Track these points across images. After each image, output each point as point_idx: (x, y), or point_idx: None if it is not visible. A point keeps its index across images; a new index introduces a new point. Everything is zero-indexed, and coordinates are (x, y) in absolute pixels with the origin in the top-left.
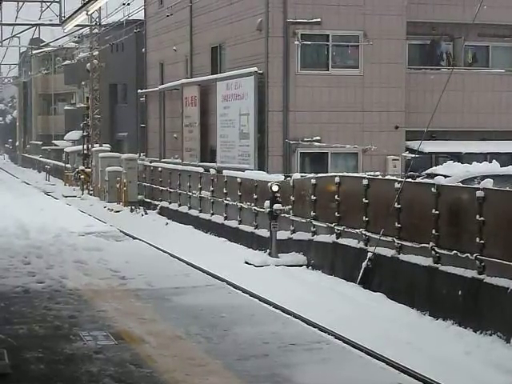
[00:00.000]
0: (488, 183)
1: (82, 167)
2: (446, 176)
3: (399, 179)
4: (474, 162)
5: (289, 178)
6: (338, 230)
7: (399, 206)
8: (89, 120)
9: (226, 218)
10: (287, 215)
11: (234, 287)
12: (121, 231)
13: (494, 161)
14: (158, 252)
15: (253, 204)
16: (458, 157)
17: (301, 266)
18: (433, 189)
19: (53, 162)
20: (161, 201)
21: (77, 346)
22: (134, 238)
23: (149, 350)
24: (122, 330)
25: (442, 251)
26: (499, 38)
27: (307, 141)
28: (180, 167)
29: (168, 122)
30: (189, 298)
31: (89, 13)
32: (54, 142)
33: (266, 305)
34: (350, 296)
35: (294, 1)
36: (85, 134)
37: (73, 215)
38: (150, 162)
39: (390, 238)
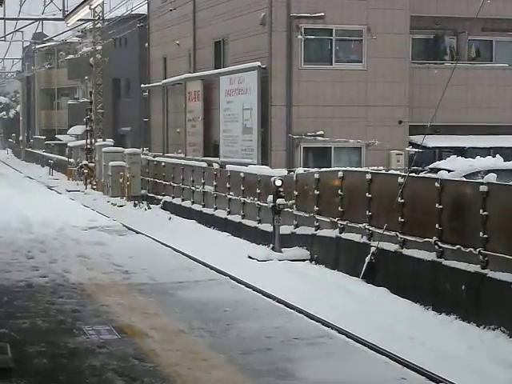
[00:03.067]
0: (491, 178)
1: (85, 162)
2: (449, 170)
3: (403, 174)
4: (478, 157)
5: (292, 173)
6: (341, 224)
7: (402, 200)
8: (92, 115)
9: (229, 213)
10: (290, 210)
11: (237, 282)
12: (124, 226)
13: (497, 155)
14: (161, 246)
15: (256, 199)
16: (461, 151)
17: (304, 260)
18: (436, 183)
19: (56, 157)
20: (164, 195)
21: (80, 341)
22: (138, 233)
23: (152, 344)
24: (125, 325)
25: (446, 246)
26: (503, 32)
27: (310, 135)
28: (183, 162)
29: (171, 116)
30: (192, 293)
31: (92, 7)
32: (57, 136)
33: (269, 299)
34: (353, 291)
35: None
36: (88, 128)
37: (76, 210)
38: (154, 157)
39: (393, 233)
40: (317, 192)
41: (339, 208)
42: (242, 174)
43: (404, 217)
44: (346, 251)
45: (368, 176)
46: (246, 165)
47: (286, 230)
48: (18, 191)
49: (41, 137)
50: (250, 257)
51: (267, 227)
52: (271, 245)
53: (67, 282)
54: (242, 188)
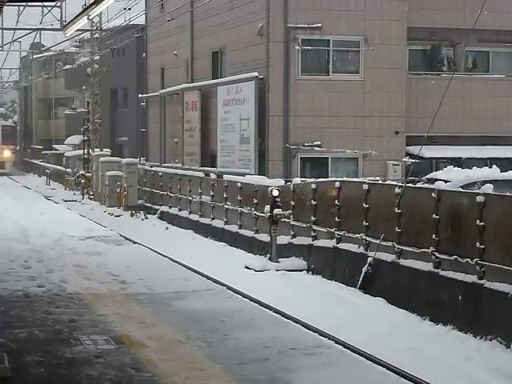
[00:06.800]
0: (488, 188)
1: (82, 172)
2: (446, 181)
3: (399, 184)
4: (474, 167)
5: (289, 183)
6: (338, 234)
7: (399, 210)
8: (89, 124)
9: (226, 223)
10: (287, 220)
11: (234, 292)
12: (121, 236)
13: (494, 166)
14: (159, 256)
15: (253, 209)
16: (458, 162)
17: (301, 270)
18: (433, 194)
19: (53, 167)
20: (161, 205)
21: (77, 350)
22: (135, 243)
23: (149, 354)
24: (122, 334)
25: (443, 256)
26: (499, 43)
27: (307, 146)
28: (180, 172)
29: (168, 126)
30: (189, 303)
31: (90, 17)
32: (54, 146)
33: (266, 309)
34: (350, 301)
35: (294, 6)
36: (85, 138)
37: (73, 219)
38: (151, 167)
39: (390, 243)
40: (314, 202)
41: (336, 218)
42: (239, 184)
43: (401, 227)
44: (342, 261)
45: (365, 186)
46: (243, 175)
47: (282, 240)
48: (15, 201)
49: (38, 146)
50: (246, 267)
51: (264, 237)
52: (268, 255)
53: (64, 292)
54: (239, 198)
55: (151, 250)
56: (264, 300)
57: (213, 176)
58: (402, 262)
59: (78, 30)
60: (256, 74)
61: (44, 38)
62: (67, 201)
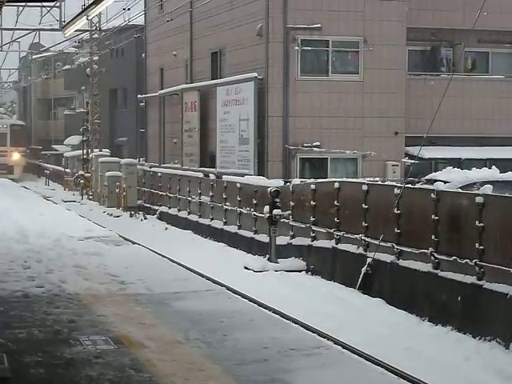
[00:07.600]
0: (487, 189)
1: (81, 172)
2: (445, 182)
3: (399, 185)
4: (474, 168)
5: (288, 184)
6: (337, 235)
7: (399, 211)
8: (88, 125)
9: (225, 223)
10: (287, 220)
11: (233, 292)
12: (120, 236)
13: (493, 167)
14: (158, 257)
15: (252, 209)
16: (457, 163)
17: (300, 271)
18: (432, 194)
19: (52, 167)
20: (160, 206)
21: (76, 351)
22: (134, 243)
23: (148, 354)
24: (122, 335)
25: (442, 257)
26: (499, 44)
27: (307, 146)
28: (180, 172)
29: (168, 127)
30: (188, 303)
31: (89, 18)
32: (53, 146)
33: (265, 310)
34: (349, 301)
35: (294, 6)
36: (84, 138)
37: (72, 220)
38: (150, 167)
39: (389, 244)
40: (313, 203)
41: (335, 219)
42: (238, 185)
43: (400, 228)
44: (342, 262)
45: (364, 187)
46: (242, 175)
47: (282, 240)
48: (14, 201)
49: (37, 147)
50: (246, 267)
51: (263, 238)
52: (267, 255)
53: (63, 292)
54: (239, 198)
55: (150, 250)
56: (263, 300)
57: (212, 176)
58: (402, 262)
59: (77, 30)
60: (255, 74)
61: (43, 38)
62: (66, 201)
